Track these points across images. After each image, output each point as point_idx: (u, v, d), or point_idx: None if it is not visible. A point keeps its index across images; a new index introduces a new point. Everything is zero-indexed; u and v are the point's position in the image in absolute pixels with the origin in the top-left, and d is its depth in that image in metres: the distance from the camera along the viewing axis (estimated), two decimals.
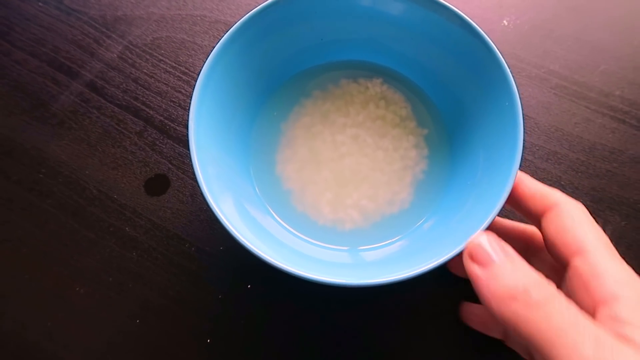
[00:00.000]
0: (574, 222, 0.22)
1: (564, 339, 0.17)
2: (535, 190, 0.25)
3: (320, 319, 0.30)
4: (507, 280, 0.19)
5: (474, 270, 0.20)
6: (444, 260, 0.22)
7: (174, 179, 0.33)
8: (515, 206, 0.26)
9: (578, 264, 0.21)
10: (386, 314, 0.31)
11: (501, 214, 0.29)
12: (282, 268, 0.22)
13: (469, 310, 0.29)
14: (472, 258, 0.21)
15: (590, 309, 0.20)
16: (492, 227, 0.23)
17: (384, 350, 0.30)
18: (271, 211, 0.29)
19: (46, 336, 0.30)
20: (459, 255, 0.22)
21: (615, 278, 0.20)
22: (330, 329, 0.30)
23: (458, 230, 0.25)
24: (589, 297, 0.20)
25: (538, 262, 0.27)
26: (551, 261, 0.26)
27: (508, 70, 0.25)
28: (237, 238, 0.23)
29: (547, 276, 0.20)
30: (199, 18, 0.37)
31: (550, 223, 0.23)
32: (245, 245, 0.22)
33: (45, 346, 0.30)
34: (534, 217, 0.25)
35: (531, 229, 0.28)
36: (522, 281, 0.19)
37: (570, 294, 0.21)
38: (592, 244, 0.21)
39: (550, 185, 0.32)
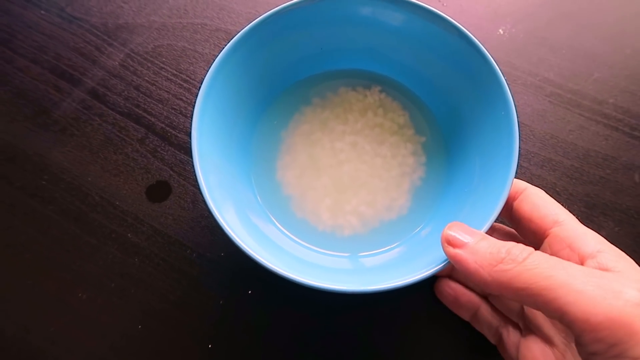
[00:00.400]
0: (543, 201, 0.26)
1: (557, 278, 0.19)
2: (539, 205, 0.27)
3: (320, 324, 0.31)
4: (489, 249, 0.21)
5: (456, 252, 0.22)
6: (442, 267, 0.23)
7: (175, 185, 0.34)
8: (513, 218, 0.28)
9: (558, 231, 0.24)
10: (385, 319, 0.31)
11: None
12: (284, 275, 0.23)
13: (444, 286, 0.30)
14: (450, 243, 0.22)
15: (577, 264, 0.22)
16: None
17: (383, 355, 0.30)
18: (272, 218, 0.30)
19: (49, 340, 0.31)
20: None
21: (594, 237, 0.23)
22: (329, 334, 0.31)
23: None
24: (574, 255, 0.23)
25: None
26: None
27: (504, 80, 0.26)
28: (240, 245, 0.23)
29: None
30: (199, 26, 0.38)
31: (524, 203, 0.26)
32: (247, 252, 0.23)
33: (48, 350, 0.30)
34: (505, 205, 0.27)
35: None
36: (502, 246, 0.21)
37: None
38: (565, 215, 0.25)
39: (545, 191, 0.32)
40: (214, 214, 0.23)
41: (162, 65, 0.37)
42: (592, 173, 0.34)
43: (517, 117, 0.34)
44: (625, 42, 0.37)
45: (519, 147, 0.34)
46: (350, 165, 0.31)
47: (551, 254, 0.24)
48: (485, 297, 0.30)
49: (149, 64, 0.37)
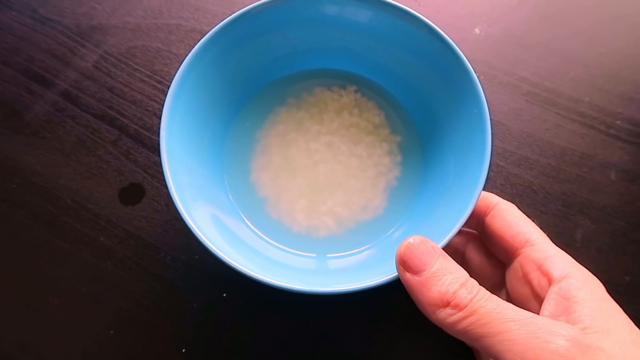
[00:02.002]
0: (515, 218, 0.26)
1: (492, 327, 0.19)
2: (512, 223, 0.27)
3: (296, 326, 0.30)
4: (439, 287, 0.21)
5: (408, 278, 0.21)
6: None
7: (149, 188, 0.33)
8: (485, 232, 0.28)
9: (529, 252, 0.24)
10: (362, 322, 0.31)
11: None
12: (248, 274, 0.22)
13: None
14: (404, 266, 0.22)
15: (544, 287, 0.23)
16: None
17: (357, 357, 0.30)
18: (245, 219, 0.29)
19: (19, 348, 0.30)
20: None
21: (564, 259, 0.23)
22: (305, 336, 0.30)
23: (428, 236, 0.25)
24: (543, 278, 0.23)
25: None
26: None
27: (476, 77, 0.26)
28: (207, 245, 0.23)
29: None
30: (174, 27, 0.37)
31: (495, 220, 0.26)
32: (213, 251, 0.23)
33: (18, 357, 0.30)
34: (476, 218, 0.27)
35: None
36: (451, 285, 0.21)
37: (521, 277, 0.25)
38: (536, 235, 0.25)
39: (522, 190, 0.32)
40: (182, 214, 0.23)
41: (136, 66, 0.36)
42: (569, 171, 0.34)
43: (490, 115, 0.34)
44: (601, 42, 0.37)
45: (496, 146, 0.34)
46: (326, 166, 0.31)
47: (522, 275, 0.24)
48: None
49: (123, 66, 0.36)
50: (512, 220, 0.26)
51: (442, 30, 0.27)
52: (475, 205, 0.24)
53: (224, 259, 0.22)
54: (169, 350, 0.30)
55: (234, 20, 0.27)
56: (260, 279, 0.22)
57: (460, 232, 0.29)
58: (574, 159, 0.34)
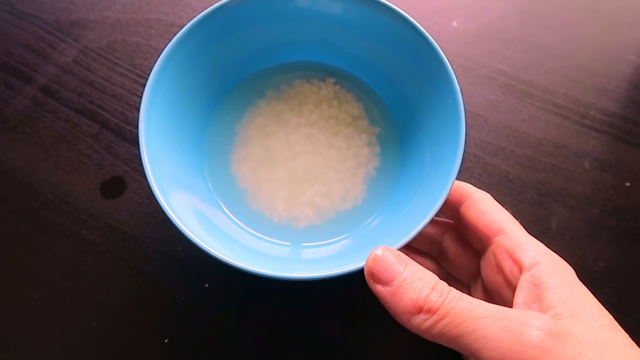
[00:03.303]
0: (489, 207, 0.26)
1: (466, 326, 0.20)
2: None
3: (277, 315, 0.31)
4: (410, 294, 0.21)
5: (379, 289, 0.22)
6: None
7: (130, 181, 0.33)
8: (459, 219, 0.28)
9: (501, 240, 0.25)
10: (343, 309, 0.31)
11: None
12: (224, 260, 0.23)
13: None
14: (374, 278, 0.22)
15: (515, 275, 0.24)
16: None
17: (338, 344, 0.30)
18: (225, 209, 0.30)
19: (0, 342, 0.30)
20: None
21: (535, 247, 0.24)
22: (287, 324, 0.31)
23: (404, 224, 0.26)
24: (515, 266, 0.24)
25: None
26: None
27: (450, 67, 0.26)
28: (183, 231, 0.23)
29: None
30: (154, 21, 0.37)
31: (469, 210, 0.27)
32: (189, 236, 0.23)
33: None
34: (451, 208, 0.28)
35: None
36: (422, 289, 0.21)
37: (494, 266, 0.25)
38: (508, 224, 0.25)
39: (498, 179, 0.33)
40: (158, 199, 0.23)
41: (116, 60, 0.36)
42: (544, 161, 0.35)
43: (467, 107, 0.34)
44: (575, 35, 0.38)
45: (473, 137, 0.35)
46: (306, 157, 0.31)
47: (495, 264, 0.25)
48: None
49: (103, 60, 0.36)
50: (485, 210, 0.26)
51: (419, 23, 0.27)
52: (450, 193, 0.25)
53: (198, 244, 0.23)
54: (151, 341, 0.30)
55: (211, 13, 0.27)
56: (237, 266, 0.22)
57: (437, 222, 0.30)
58: (549, 148, 0.35)
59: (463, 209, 0.27)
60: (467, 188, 0.28)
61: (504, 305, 0.24)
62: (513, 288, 0.24)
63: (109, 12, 0.37)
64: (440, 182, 0.25)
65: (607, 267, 0.32)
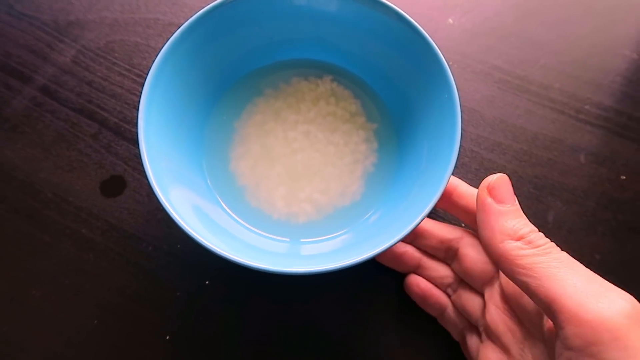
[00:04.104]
0: None
1: (561, 270, 0.20)
2: (473, 192, 0.28)
3: (278, 311, 0.31)
4: (516, 221, 0.22)
5: (489, 202, 0.23)
6: (382, 250, 0.23)
7: (130, 179, 0.34)
8: (453, 208, 0.29)
9: None
10: (343, 303, 0.31)
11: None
12: (226, 256, 0.23)
13: (415, 282, 0.30)
14: (491, 191, 0.23)
15: None
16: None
17: (340, 336, 0.31)
18: (224, 206, 0.30)
19: (2, 340, 0.30)
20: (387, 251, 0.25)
21: None
22: (288, 321, 0.31)
23: (403, 218, 0.26)
24: None
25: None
26: None
27: (445, 63, 0.27)
28: (183, 227, 0.23)
29: None
30: (152, 21, 0.37)
31: None
32: (189, 233, 0.23)
33: (1, 350, 0.30)
34: (471, 216, 0.28)
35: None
36: (526, 225, 0.22)
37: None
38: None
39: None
40: (158, 196, 0.24)
41: (114, 60, 0.36)
42: (540, 155, 0.35)
43: (464, 103, 0.35)
44: (570, 30, 0.39)
45: (470, 132, 0.35)
46: (304, 154, 0.31)
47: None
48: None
49: (102, 60, 0.36)
50: None
51: (415, 20, 0.28)
52: (470, 202, 0.26)
53: (198, 240, 0.23)
54: (153, 338, 0.30)
55: (208, 12, 0.28)
56: (237, 261, 0.23)
57: (454, 229, 0.30)
58: (545, 143, 0.35)
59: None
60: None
61: (522, 313, 0.25)
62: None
63: (107, 12, 0.38)
64: (437, 176, 0.25)
65: (603, 259, 0.33)
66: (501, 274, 0.27)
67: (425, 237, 0.30)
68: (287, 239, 0.29)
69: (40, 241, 0.32)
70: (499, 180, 0.23)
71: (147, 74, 0.26)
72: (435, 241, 0.30)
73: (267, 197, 0.31)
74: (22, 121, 0.35)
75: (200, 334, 0.31)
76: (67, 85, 0.36)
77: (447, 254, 0.30)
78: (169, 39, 0.27)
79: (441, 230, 0.30)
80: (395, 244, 0.24)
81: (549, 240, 0.22)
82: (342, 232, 0.30)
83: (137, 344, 0.30)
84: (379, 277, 0.32)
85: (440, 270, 0.30)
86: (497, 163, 0.35)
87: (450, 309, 0.30)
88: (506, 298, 0.26)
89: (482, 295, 0.28)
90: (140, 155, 0.24)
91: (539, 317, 0.24)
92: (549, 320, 0.23)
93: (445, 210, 0.30)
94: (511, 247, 0.21)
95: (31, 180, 0.33)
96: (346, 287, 0.32)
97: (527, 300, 0.25)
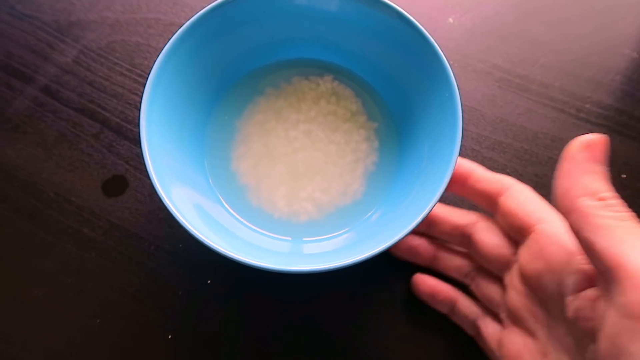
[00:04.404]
0: (531, 197, 0.27)
1: (633, 236, 0.20)
2: (490, 176, 0.28)
3: (280, 310, 0.31)
4: (601, 184, 0.22)
5: (581, 155, 0.22)
6: (388, 246, 0.24)
7: (131, 179, 0.34)
8: (470, 191, 0.29)
9: (545, 227, 0.25)
10: (345, 303, 0.31)
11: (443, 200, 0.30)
12: (228, 255, 0.23)
13: (422, 280, 0.30)
14: (588, 147, 0.22)
15: (564, 259, 0.24)
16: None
17: (342, 335, 0.31)
18: (226, 206, 0.30)
19: (4, 340, 0.30)
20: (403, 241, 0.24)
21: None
22: (289, 320, 0.31)
23: (404, 216, 0.26)
24: (560, 250, 0.24)
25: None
26: None
27: (445, 61, 0.27)
28: (185, 225, 0.23)
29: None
30: (153, 21, 0.38)
31: (510, 200, 0.27)
32: (191, 231, 0.23)
33: (4, 350, 0.30)
34: (489, 199, 0.28)
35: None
36: (612, 194, 0.22)
37: (536, 252, 0.25)
38: (551, 213, 0.26)
39: (496, 173, 0.33)
40: (160, 195, 0.24)
41: (116, 60, 0.36)
42: (541, 154, 0.35)
43: (464, 102, 0.35)
44: (570, 29, 0.39)
45: (470, 131, 0.35)
46: (305, 153, 0.32)
47: (537, 250, 0.25)
48: (462, 289, 0.30)
49: (103, 60, 0.36)
50: (527, 200, 0.27)
51: (415, 19, 0.28)
52: (488, 185, 0.27)
53: (200, 238, 0.23)
54: (155, 337, 0.31)
55: (209, 11, 0.28)
56: (239, 259, 0.23)
57: (468, 214, 0.30)
58: (545, 142, 0.35)
59: (504, 199, 0.27)
60: (507, 180, 0.28)
61: (542, 294, 0.25)
62: (556, 274, 0.24)
63: (108, 12, 0.38)
64: (438, 175, 0.26)
65: None
66: (519, 255, 0.26)
67: (438, 224, 0.30)
68: (289, 238, 0.30)
69: (43, 241, 0.32)
70: (599, 139, 0.22)
71: (149, 74, 0.26)
72: (449, 227, 0.29)
73: (269, 196, 0.31)
74: (23, 121, 0.35)
75: (203, 333, 0.31)
76: (69, 85, 0.36)
77: (462, 240, 0.29)
78: (170, 38, 0.27)
79: (454, 216, 0.30)
80: (397, 241, 0.24)
81: (630, 210, 0.22)
82: (344, 230, 0.30)
83: (139, 343, 0.30)
84: (381, 275, 0.32)
85: (457, 260, 0.30)
86: (498, 162, 0.35)
87: (461, 302, 0.29)
88: (525, 280, 0.26)
89: (501, 280, 0.28)
90: (142, 154, 0.25)
91: (560, 297, 0.24)
92: (574, 300, 0.22)
93: (461, 195, 0.30)
94: (589, 205, 0.21)
95: (33, 180, 0.33)
96: (348, 286, 0.32)
97: (547, 279, 0.24)
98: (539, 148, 0.35)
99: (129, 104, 0.35)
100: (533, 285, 0.25)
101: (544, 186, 0.33)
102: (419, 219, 0.24)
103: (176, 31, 0.27)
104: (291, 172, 0.31)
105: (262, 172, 0.31)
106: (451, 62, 0.37)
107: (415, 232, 0.29)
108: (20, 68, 0.36)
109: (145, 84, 0.34)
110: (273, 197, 0.31)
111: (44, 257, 0.32)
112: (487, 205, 0.29)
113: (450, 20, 0.39)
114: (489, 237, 0.28)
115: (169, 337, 0.30)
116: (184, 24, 0.28)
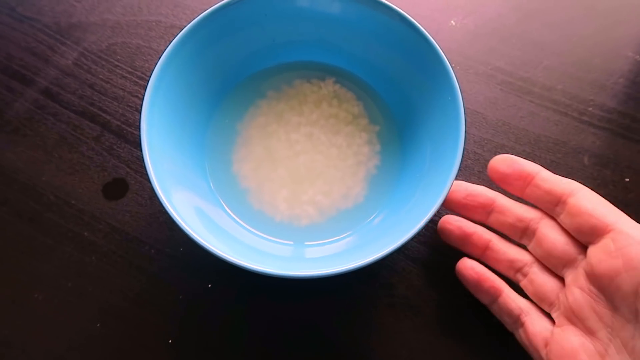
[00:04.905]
0: (603, 200, 0.27)
1: None
2: (558, 178, 0.28)
3: (281, 314, 0.31)
4: None
5: None
6: (391, 251, 0.23)
7: (132, 182, 0.34)
8: (534, 192, 0.28)
9: (624, 227, 0.25)
10: (346, 307, 0.31)
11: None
12: (229, 259, 0.23)
13: (470, 265, 0.30)
14: None
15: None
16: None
17: (343, 340, 0.31)
18: (227, 209, 0.30)
19: (4, 343, 0.30)
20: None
21: None
22: (291, 322, 0.31)
23: (407, 220, 0.26)
24: None
25: None
26: None
27: (448, 64, 0.26)
28: (185, 229, 0.23)
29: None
30: (154, 23, 0.37)
31: (583, 200, 0.27)
32: (191, 235, 0.23)
33: (3, 353, 0.30)
34: (555, 200, 0.28)
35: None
36: None
37: (613, 251, 0.25)
38: (624, 215, 0.26)
39: None
40: (160, 199, 0.24)
41: (116, 63, 0.36)
42: (544, 157, 0.35)
43: (467, 105, 0.35)
44: (572, 31, 0.39)
45: (473, 134, 0.35)
46: (307, 156, 0.31)
47: (615, 249, 0.25)
48: (512, 285, 0.29)
49: (104, 62, 0.36)
50: (600, 200, 0.27)
51: (417, 21, 0.28)
52: (554, 187, 0.27)
53: (201, 242, 0.23)
54: (155, 341, 0.30)
55: (210, 14, 0.28)
56: (240, 264, 0.23)
57: (532, 209, 0.29)
58: (548, 145, 0.35)
59: (576, 200, 0.27)
60: (575, 183, 0.28)
61: (615, 293, 0.25)
62: (635, 272, 0.24)
63: (109, 14, 0.38)
64: (441, 178, 0.25)
65: None
66: (589, 254, 0.26)
67: (502, 213, 0.29)
68: (291, 242, 0.29)
69: (43, 244, 0.32)
70: None
71: (150, 77, 0.26)
72: (513, 218, 0.29)
73: (270, 200, 0.31)
74: (24, 124, 0.35)
75: (203, 337, 0.30)
76: (69, 87, 0.36)
77: (524, 234, 0.29)
78: (171, 41, 0.27)
79: (520, 209, 0.29)
80: (400, 247, 0.23)
81: None
82: (346, 234, 0.30)
83: (139, 347, 0.30)
84: (384, 279, 0.32)
85: (512, 253, 0.29)
86: None
87: (506, 294, 0.29)
88: (595, 279, 0.26)
89: (559, 278, 0.28)
90: (142, 157, 0.25)
91: (636, 298, 0.23)
92: None
93: (518, 195, 0.29)
94: None
95: (33, 183, 0.33)
96: (350, 290, 0.32)
97: (623, 279, 0.24)
98: (542, 151, 0.35)
99: (130, 107, 0.35)
100: (604, 284, 0.25)
101: None
102: (421, 223, 0.24)
103: (177, 34, 0.27)
104: (292, 175, 0.31)
105: (264, 175, 0.31)
106: (453, 65, 0.37)
107: (471, 219, 0.30)
108: (20, 70, 0.36)
109: (146, 87, 0.34)
110: (274, 200, 0.31)
111: (44, 260, 0.32)
112: (550, 206, 0.28)
113: (453, 22, 0.39)
114: (555, 233, 0.28)
115: (170, 341, 0.30)
116: (185, 26, 0.28)
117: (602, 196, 0.33)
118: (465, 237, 0.30)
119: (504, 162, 0.29)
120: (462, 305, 0.31)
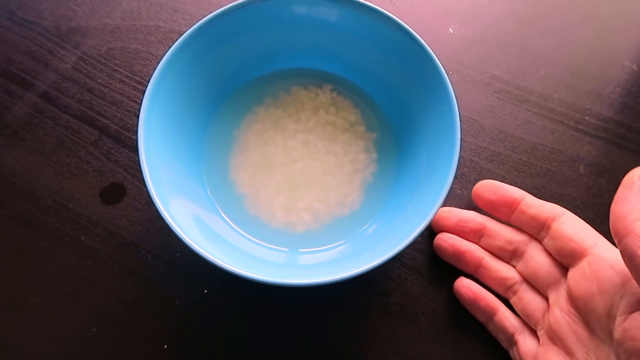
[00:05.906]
0: (584, 225, 0.28)
1: None
2: (542, 203, 0.30)
3: (276, 320, 0.31)
4: None
5: (635, 180, 0.23)
6: (383, 261, 0.23)
7: (129, 187, 0.34)
8: (519, 217, 0.30)
9: (599, 251, 0.26)
10: (340, 315, 0.31)
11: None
12: (224, 267, 0.23)
13: (464, 287, 0.30)
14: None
15: (615, 282, 0.25)
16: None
17: (337, 346, 0.31)
18: (224, 215, 0.30)
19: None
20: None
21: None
22: (286, 329, 0.31)
23: (402, 228, 0.26)
24: (615, 274, 0.25)
25: None
26: None
27: (444, 74, 0.27)
28: (181, 237, 0.23)
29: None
30: (153, 28, 0.38)
31: (565, 225, 0.28)
32: (188, 243, 0.23)
33: None
34: (539, 224, 0.29)
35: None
36: None
37: (588, 274, 0.26)
38: (603, 240, 0.27)
39: None
40: (157, 206, 0.24)
41: (115, 67, 0.36)
42: (540, 166, 0.35)
43: (463, 113, 0.35)
44: (570, 40, 0.39)
45: (469, 142, 0.35)
46: (303, 163, 0.32)
47: (590, 272, 0.26)
48: (504, 301, 0.30)
49: (103, 67, 0.36)
50: (581, 226, 0.28)
51: (414, 29, 0.28)
52: (540, 212, 0.28)
53: (197, 250, 0.23)
54: (151, 346, 0.30)
55: (209, 20, 0.28)
56: (235, 272, 0.23)
57: (521, 233, 0.30)
58: (544, 154, 0.35)
59: (559, 224, 0.28)
60: (558, 208, 0.29)
61: (590, 315, 0.26)
62: (607, 295, 0.25)
63: (108, 19, 0.38)
64: (436, 187, 0.26)
65: None
66: (569, 276, 0.27)
67: (492, 237, 0.30)
68: (286, 249, 0.29)
69: (39, 248, 0.32)
70: None
71: (148, 82, 0.26)
72: (503, 241, 0.30)
73: (266, 206, 0.31)
74: (22, 127, 0.35)
75: (199, 342, 0.30)
76: (68, 92, 0.36)
77: (514, 255, 0.30)
78: (170, 46, 0.27)
79: (508, 233, 0.30)
80: (393, 257, 0.24)
81: None
82: (340, 242, 0.30)
83: (135, 352, 0.30)
84: (379, 286, 0.32)
85: (503, 271, 0.30)
86: (497, 173, 0.35)
87: (501, 313, 0.29)
88: (574, 300, 0.27)
89: (545, 297, 0.29)
90: (140, 163, 0.25)
91: (609, 320, 0.24)
92: (624, 320, 0.23)
93: (505, 219, 0.31)
94: None
95: (31, 187, 0.33)
96: (345, 297, 0.32)
97: (597, 302, 0.25)
98: (538, 160, 0.35)
99: (128, 112, 0.35)
100: (581, 305, 0.26)
101: (543, 198, 0.33)
102: (416, 232, 0.24)
103: (176, 39, 0.28)
104: (289, 182, 0.31)
105: (260, 181, 0.31)
106: (450, 73, 0.37)
107: (465, 239, 0.31)
108: (20, 74, 0.36)
109: (144, 92, 0.34)
110: (271, 206, 0.31)
111: (41, 264, 0.32)
112: (536, 230, 0.29)
113: (450, 30, 0.39)
114: (541, 256, 0.29)
115: (165, 346, 0.30)
116: (184, 31, 0.28)
117: (597, 205, 0.34)
118: (459, 255, 0.31)
119: (489, 189, 0.31)
120: (457, 313, 0.31)
